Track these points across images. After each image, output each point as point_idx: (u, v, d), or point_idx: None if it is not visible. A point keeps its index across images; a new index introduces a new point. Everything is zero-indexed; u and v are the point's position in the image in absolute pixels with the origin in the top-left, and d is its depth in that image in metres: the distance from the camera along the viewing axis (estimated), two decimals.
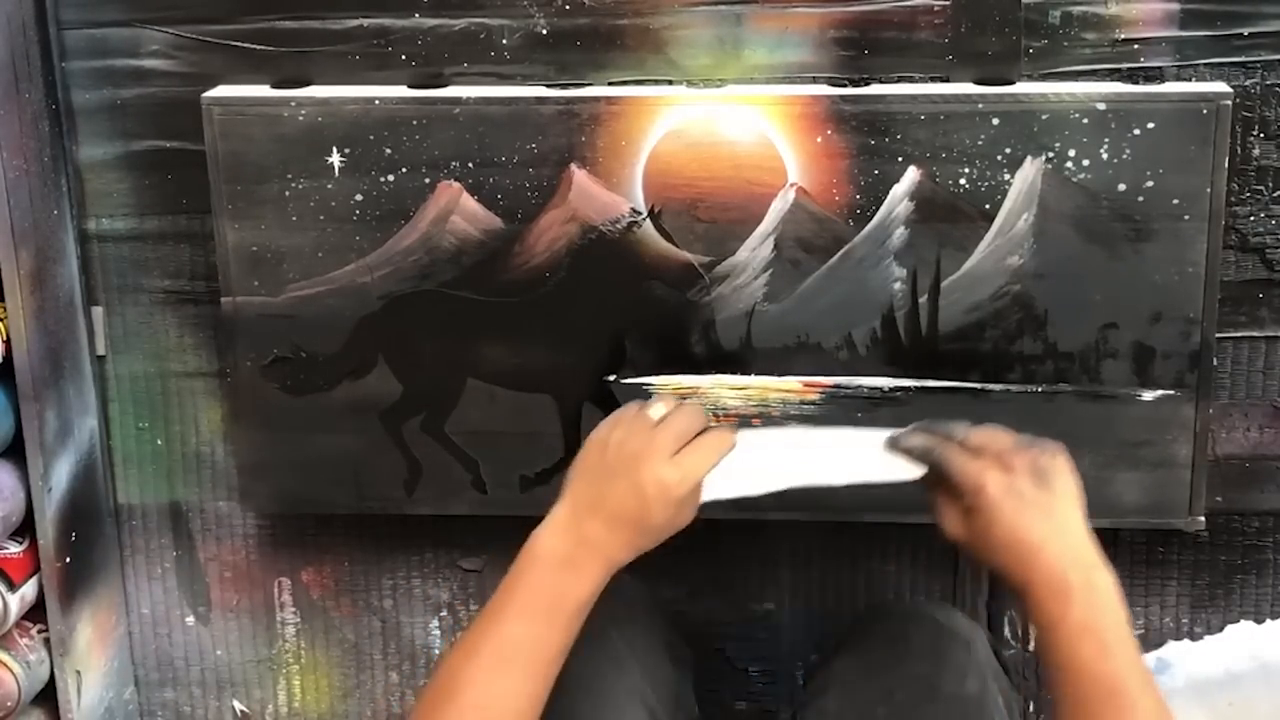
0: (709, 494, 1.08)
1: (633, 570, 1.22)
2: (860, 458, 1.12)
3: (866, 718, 1.15)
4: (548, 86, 1.31)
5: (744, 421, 1.30)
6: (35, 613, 1.41)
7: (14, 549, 1.38)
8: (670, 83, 1.31)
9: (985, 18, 1.28)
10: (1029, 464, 1.06)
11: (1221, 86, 1.26)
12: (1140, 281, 1.26)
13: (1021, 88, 1.27)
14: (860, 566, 1.45)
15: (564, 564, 1.04)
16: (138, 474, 1.49)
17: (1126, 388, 1.29)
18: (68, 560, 1.41)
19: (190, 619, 1.53)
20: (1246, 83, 1.28)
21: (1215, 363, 1.30)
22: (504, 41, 1.32)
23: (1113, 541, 1.33)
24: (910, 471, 1.10)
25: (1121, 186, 1.25)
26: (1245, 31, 1.27)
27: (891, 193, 1.27)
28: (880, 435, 1.12)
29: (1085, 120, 1.23)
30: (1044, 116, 1.24)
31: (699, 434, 1.08)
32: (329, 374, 1.36)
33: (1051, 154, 1.24)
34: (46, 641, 1.41)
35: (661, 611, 1.29)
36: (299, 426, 1.37)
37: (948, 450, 1.08)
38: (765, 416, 1.32)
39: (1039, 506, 1.04)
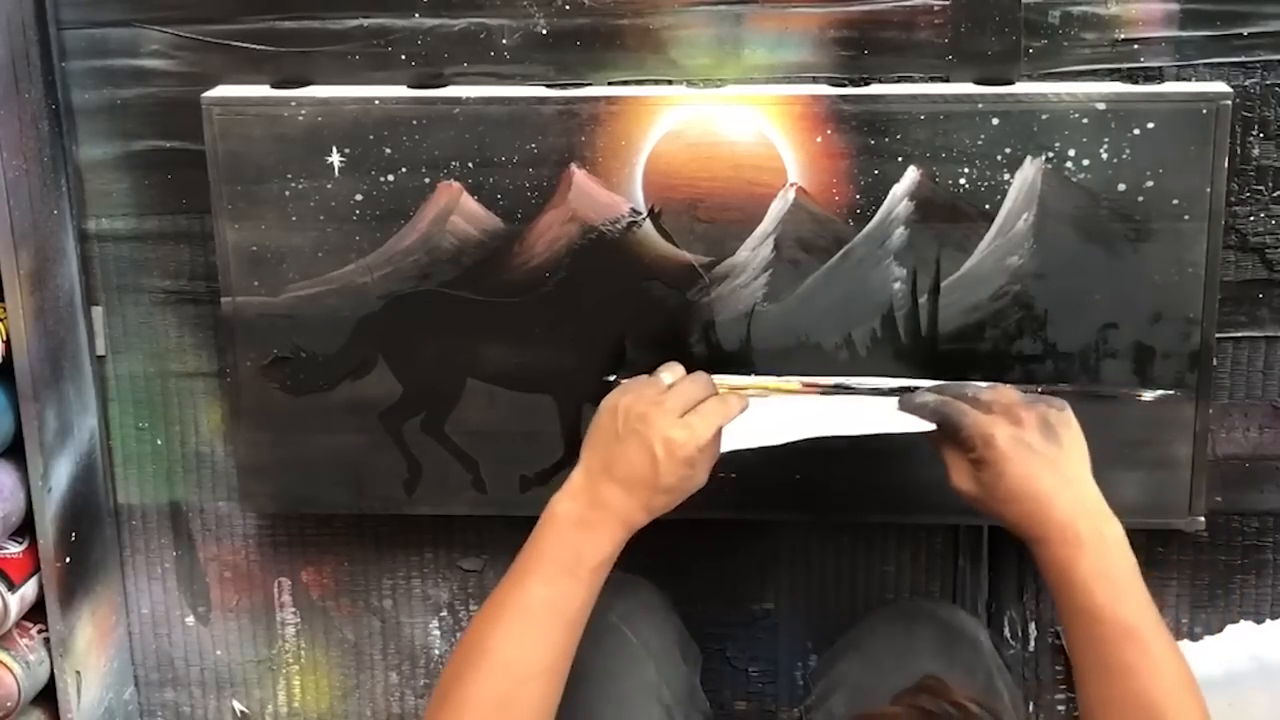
0: (727, 444, 1.12)
1: (636, 569, 1.23)
2: (875, 414, 1.16)
3: None
4: (548, 86, 1.31)
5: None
6: (35, 613, 1.41)
7: (14, 549, 1.38)
8: (670, 83, 1.31)
9: (985, 18, 1.28)
10: (1037, 418, 1.09)
11: (1221, 86, 1.26)
12: (1140, 281, 1.26)
13: (1021, 88, 1.27)
14: (860, 566, 1.45)
15: (580, 525, 1.08)
16: (138, 474, 1.49)
17: (1126, 388, 1.29)
18: (68, 560, 1.41)
19: (190, 619, 1.53)
20: (1246, 83, 1.28)
21: (1215, 363, 1.30)
22: (504, 41, 1.32)
23: None
24: (922, 425, 1.13)
25: (1121, 186, 1.25)
26: (1245, 31, 1.27)
27: (891, 193, 1.27)
28: (893, 400, 1.17)
29: (1085, 120, 1.23)
30: (1044, 116, 1.24)
31: (706, 399, 1.12)
32: (329, 374, 1.36)
33: (1051, 154, 1.24)
34: (46, 641, 1.41)
35: (672, 611, 1.30)
36: (299, 426, 1.37)
37: (958, 405, 1.11)
38: None
39: (1047, 458, 1.07)
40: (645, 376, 1.15)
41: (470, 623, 1.08)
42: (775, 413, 1.17)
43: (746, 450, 1.13)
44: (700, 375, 1.15)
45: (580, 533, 1.07)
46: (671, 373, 1.16)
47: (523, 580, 1.07)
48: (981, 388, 1.14)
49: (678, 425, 1.09)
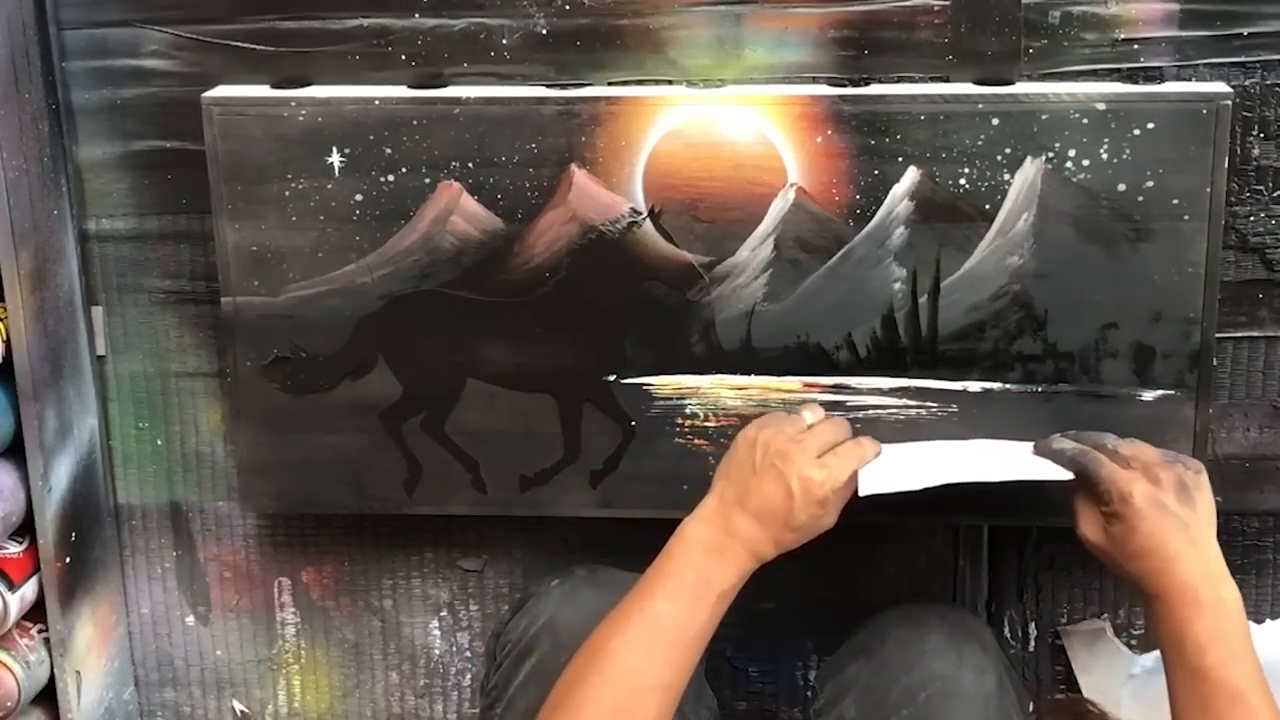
0: (868, 487, 1.14)
1: (640, 569, 1.23)
2: (1011, 460, 1.18)
3: None
4: (548, 86, 1.31)
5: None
6: (35, 613, 1.41)
7: (14, 549, 1.38)
8: (670, 83, 1.31)
9: (985, 18, 1.28)
10: (1175, 479, 1.11)
11: (1221, 86, 1.26)
12: (1140, 281, 1.26)
13: (1021, 88, 1.27)
14: (860, 566, 1.45)
15: (711, 550, 1.11)
16: (138, 474, 1.49)
17: (1126, 388, 1.29)
18: (68, 560, 1.41)
19: (190, 619, 1.53)
20: (1246, 83, 1.28)
21: (1215, 363, 1.30)
22: (504, 41, 1.32)
23: None
24: (1059, 473, 1.15)
25: (1121, 186, 1.25)
26: (1245, 31, 1.27)
27: (891, 193, 1.27)
28: (1026, 445, 1.19)
29: (1085, 120, 1.23)
30: (1044, 116, 1.24)
31: (843, 442, 1.16)
32: (329, 374, 1.36)
33: (1051, 154, 1.24)
34: (46, 641, 1.41)
35: None
36: (299, 426, 1.37)
37: (1096, 456, 1.13)
38: None
39: (1179, 520, 1.09)
40: (785, 413, 1.19)
41: (591, 634, 1.10)
42: (912, 457, 1.19)
43: (885, 494, 1.14)
44: (839, 419, 1.19)
45: (709, 558, 1.11)
46: (812, 413, 1.19)
47: (650, 595, 1.10)
48: (1120, 441, 1.16)
49: (816, 465, 1.13)
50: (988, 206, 1.26)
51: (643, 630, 1.08)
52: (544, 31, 1.31)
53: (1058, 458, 1.16)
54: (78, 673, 1.43)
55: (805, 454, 1.13)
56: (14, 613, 1.37)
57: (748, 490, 1.12)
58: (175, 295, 1.43)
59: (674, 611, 1.09)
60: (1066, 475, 1.15)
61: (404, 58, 1.33)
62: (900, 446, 1.20)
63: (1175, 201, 1.24)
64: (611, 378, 1.33)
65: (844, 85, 1.29)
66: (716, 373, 1.32)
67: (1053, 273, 1.27)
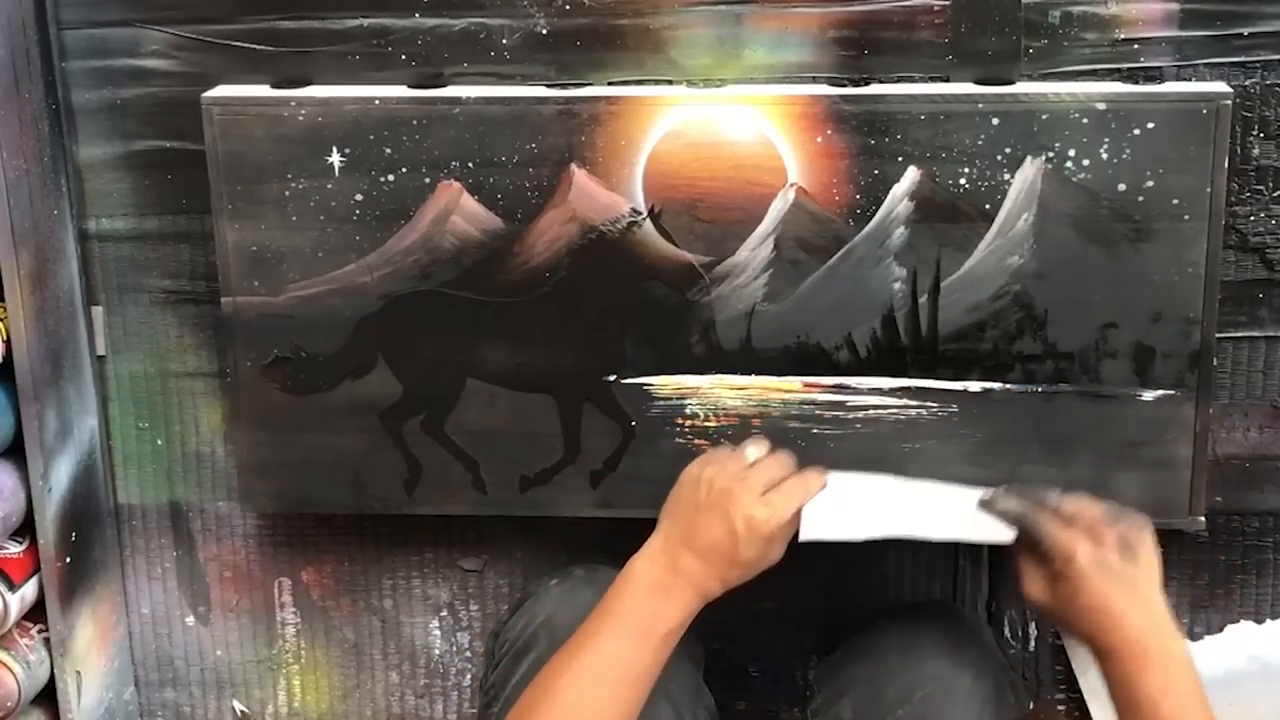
0: (808, 534, 1.14)
1: None
2: (955, 514, 1.17)
3: None
4: (548, 86, 1.31)
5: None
6: (35, 613, 1.41)
7: (14, 549, 1.38)
8: (670, 83, 1.31)
9: (985, 18, 1.28)
10: (1118, 537, 1.11)
11: (1221, 86, 1.26)
12: (1140, 281, 1.26)
13: (1021, 88, 1.27)
14: (860, 566, 1.45)
15: (657, 590, 1.11)
16: (138, 474, 1.49)
17: (1126, 388, 1.29)
18: (68, 560, 1.41)
19: (190, 619, 1.53)
20: (1246, 83, 1.28)
21: (1215, 363, 1.30)
22: (504, 41, 1.32)
23: None
24: (1003, 534, 1.15)
25: (1121, 186, 1.25)
26: (1245, 31, 1.27)
27: (891, 193, 1.27)
28: (972, 493, 1.17)
29: (1085, 120, 1.23)
30: (1044, 116, 1.24)
31: (788, 477, 1.15)
32: (329, 374, 1.36)
33: (1051, 154, 1.24)
34: (46, 641, 1.41)
35: None
36: (299, 426, 1.37)
37: (1040, 516, 1.13)
38: (765, 417, 1.32)
39: (1124, 579, 1.09)
40: (729, 449, 1.19)
41: (540, 672, 1.12)
42: (857, 497, 1.18)
43: (823, 541, 1.15)
44: (783, 454, 1.18)
45: (655, 598, 1.11)
46: (756, 448, 1.18)
47: (596, 634, 1.10)
48: (1063, 498, 1.15)
49: (760, 504, 1.12)
50: (988, 206, 1.26)
51: (589, 668, 1.09)
52: (544, 31, 1.31)
53: (1004, 516, 1.15)
54: (78, 673, 1.43)
55: (749, 492, 1.13)
56: (14, 613, 1.37)
57: (693, 529, 1.12)
58: (175, 295, 1.43)
59: (620, 650, 1.09)
60: (1008, 538, 1.14)
61: (404, 58, 1.33)
62: (846, 478, 1.18)
63: (1175, 201, 1.24)
64: (611, 378, 1.33)
65: (844, 85, 1.29)
66: (716, 373, 1.32)
67: (1053, 273, 1.27)
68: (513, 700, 1.20)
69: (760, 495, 1.13)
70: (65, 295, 1.39)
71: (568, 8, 1.30)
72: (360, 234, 1.32)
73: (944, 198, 1.27)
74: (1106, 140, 1.24)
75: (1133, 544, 1.11)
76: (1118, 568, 1.09)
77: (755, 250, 1.29)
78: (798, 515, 1.14)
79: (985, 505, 1.16)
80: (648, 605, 1.11)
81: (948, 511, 1.18)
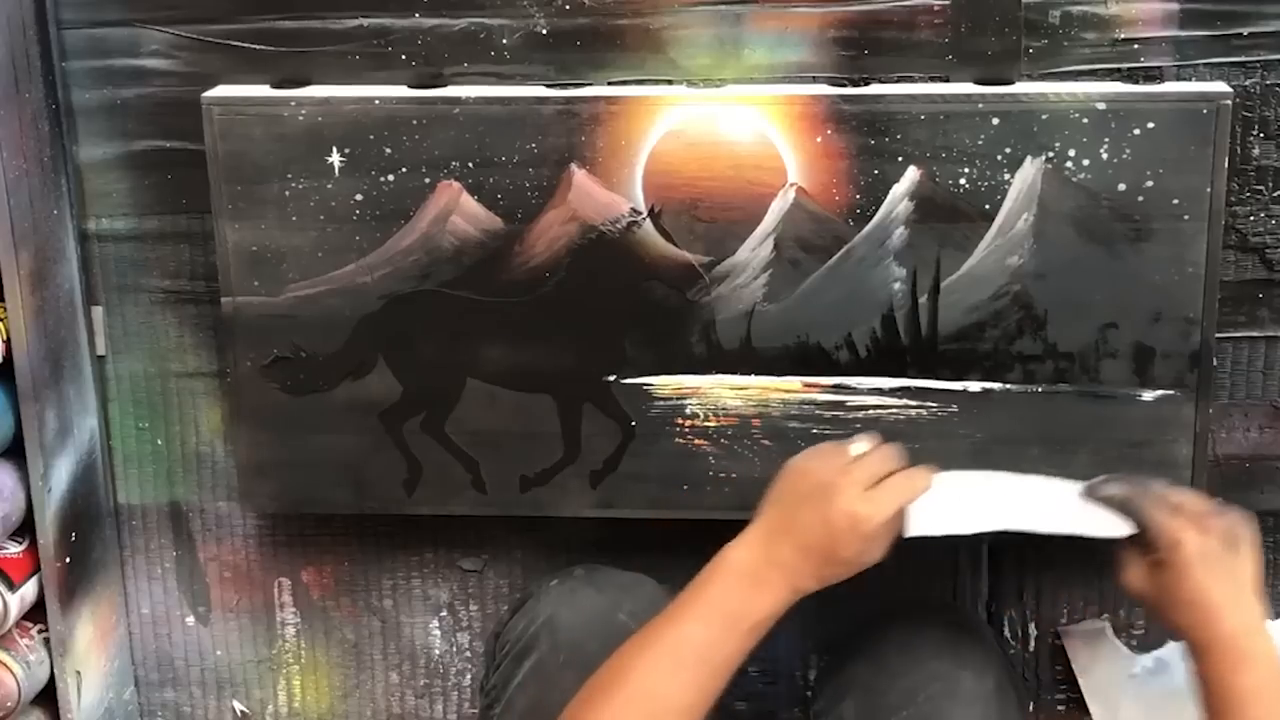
0: (915, 529, 1.10)
1: (642, 569, 1.23)
2: (1064, 507, 1.14)
3: None
4: (548, 86, 1.31)
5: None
6: (35, 613, 1.41)
7: (14, 549, 1.38)
8: (670, 83, 1.31)
9: (985, 18, 1.28)
10: (1223, 529, 1.10)
11: (1221, 86, 1.26)
12: (1140, 281, 1.26)
13: (1021, 88, 1.27)
14: None
15: (750, 579, 1.07)
16: (138, 474, 1.49)
17: (1126, 388, 1.29)
18: (68, 560, 1.41)
19: (190, 619, 1.53)
20: (1246, 83, 1.28)
21: (1215, 363, 1.30)
22: (504, 41, 1.32)
23: None
24: (1116, 528, 1.12)
25: (1121, 186, 1.25)
26: (1245, 31, 1.27)
27: (891, 193, 1.27)
28: (1074, 484, 1.15)
29: (1085, 120, 1.23)
30: (1044, 116, 1.24)
31: (893, 474, 1.11)
32: (329, 374, 1.36)
33: (1051, 154, 1.24)
34: (46, 641, 1.41)
35: None
36: (299, 426, 1.37)
37: (1147, 503, 1.11)
38: (765, 417, 1.32)
39: (1226, 571, 1.08)
40: (836, 443, 1.14)
41: (612, 654, 1.08)
42: (963, 493, 1.14)
43: (932, 536, 1.11)
44: (889, 449, 1.13)
45: (748, 586, 1.07)
46: (863, 443, 1.14)
47: (680, 617, 1.07)
48: (1168, 488, 1.13)
49: (862, 499, 1.08)
50: (988, 206, 1.26)
51: (668, 653, 1.05)
52: (544, 31, 1.31)
53: (1109, 502, 1.12)
54: (78, 673, 1.43)
55: (852, 486, 1.08)
56: (14, 613, 1.37)
57: (793, 521, 1.08)
58: (175, 295, 1.43)
59: (704, 635, 1.06)
60: (1124, 531, 1.11)
61: (404, 58, 1.33)
62: (952, 476, 1.14)
63: (1175, 201, 1.24)
64: (611, 378, 1.33)
65: (844, 85, 1.29)
66: (716, 373, 1.32)
67: (1052, 273, 1.27)
68: (514, 702, 1.20)
69: (863, 491, 1.09)
70: (65, 295, 1.39)
71: (568, 8, 1.30)
72: (360, 234, 1.32)
73: (944, 198, 1.27)
74: (1106, 140, 1.24)
75: (1237, 538, 1.10)
76: (1222, 559, 1.08)
77: (755, 250, 1.29)
78: (900, 514, 1.10)
79: (1089, 492, 1.14)
80: (739, 593, 1.07)
81: (1055, 505, 1.15)
